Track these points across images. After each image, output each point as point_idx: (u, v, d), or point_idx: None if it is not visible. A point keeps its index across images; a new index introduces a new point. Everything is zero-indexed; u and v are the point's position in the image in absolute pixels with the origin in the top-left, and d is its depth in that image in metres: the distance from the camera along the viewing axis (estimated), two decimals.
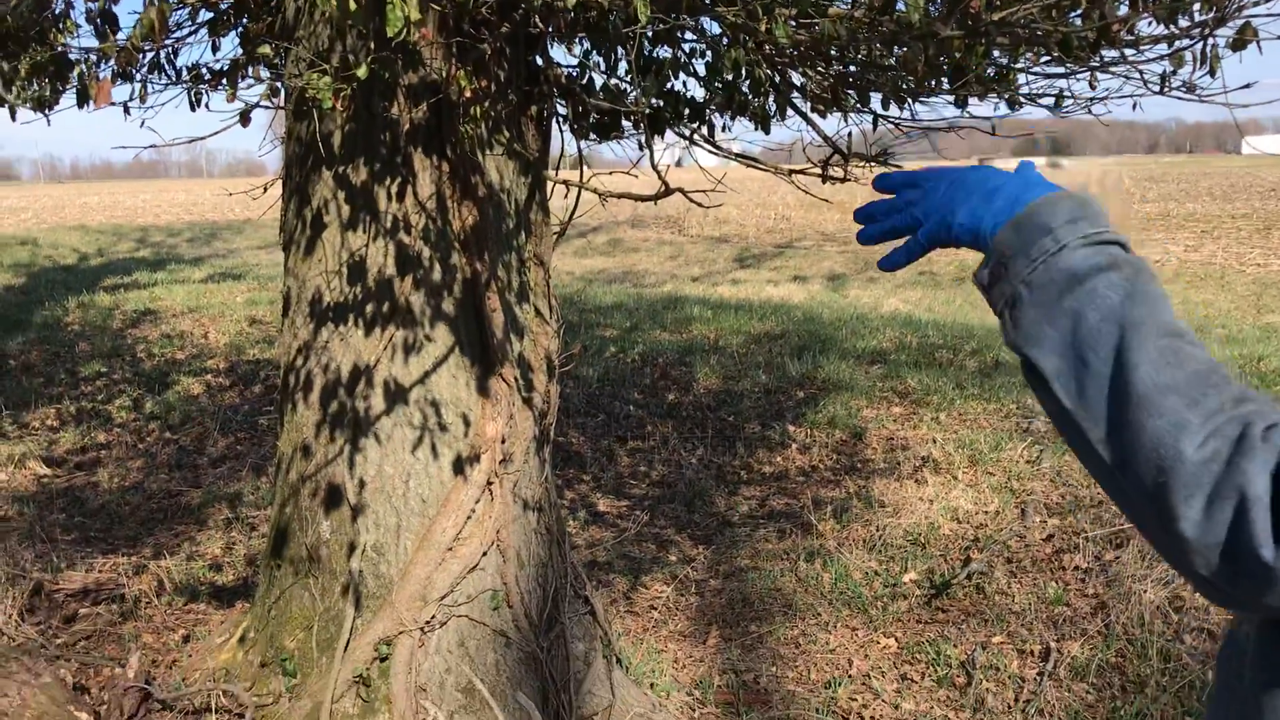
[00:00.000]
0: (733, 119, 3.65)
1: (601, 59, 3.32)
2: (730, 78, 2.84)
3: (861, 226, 1.24)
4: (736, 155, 3.56)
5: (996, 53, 2.59)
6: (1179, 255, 20.34)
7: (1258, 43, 2.52)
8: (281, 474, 3.03)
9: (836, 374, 7.07)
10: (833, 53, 2.60)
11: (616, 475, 5.61)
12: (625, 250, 23.18)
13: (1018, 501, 4.90)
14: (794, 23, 2.30)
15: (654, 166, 2.29)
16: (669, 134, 3.16)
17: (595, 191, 2.48)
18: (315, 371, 2.89)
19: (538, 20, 2.25)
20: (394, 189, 2.78)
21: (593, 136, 3.38)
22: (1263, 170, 65.29)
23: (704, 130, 3.41)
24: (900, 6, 2.36)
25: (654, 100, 3.24)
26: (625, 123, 3.35)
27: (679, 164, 5.37)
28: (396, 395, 2.84)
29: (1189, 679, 3.36)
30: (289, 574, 3.00)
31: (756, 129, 3.44)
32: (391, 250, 2.80)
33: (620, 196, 2.59)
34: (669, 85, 3.39)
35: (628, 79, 3.33)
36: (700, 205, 2.37)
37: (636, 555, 4.62)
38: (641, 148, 3.61)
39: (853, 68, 2.70)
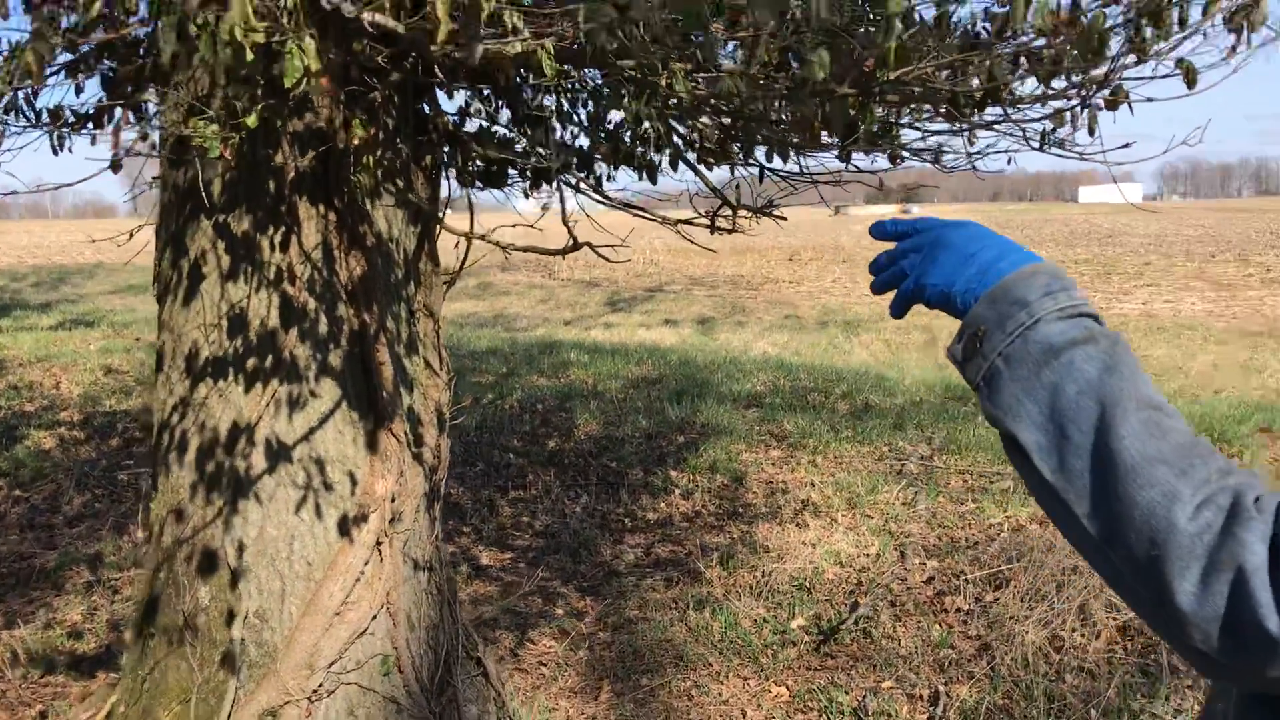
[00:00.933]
0: (616, 168, 3.66)
1: (481, 106, 3.28)
2: (627, 129, 2.83)
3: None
4: (624, 205, 3.56)
5: (884, 109, 2.64)
6: None
7: (1129, 103, 2.64)
8: (154, 539, 2.86)
9: (715, 418, 7.11)
10: (726, 107, 2.61)
11: (499, 527, 5.51)
12: (495, 294, 23.06)
13: (897, 544, 4.98)
14: (694, 78, 2.30)
15: (565, 221, 2.25)
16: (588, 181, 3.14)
17: (499, 244, 2.43)
18: (191, 430, 2.74)
19: (436, 70, 2.20)
20: (278, 238, 2.67)
21: (478, 185, 3.34)
22: (1098, 217, 69.00)
23: (590, 180, 3.40)
24: (796, 66, 2.39)
25: (540, 150, 3.22)
26: (512, 171, 3.32)
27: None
28: (279, 453, 2.72)
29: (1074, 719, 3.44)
30: (163, 644, 2.82)
31: (642, 179, 3.45)
32: (275, 302, 2.69)
33: (526, 250, 2.54)
34: (556, 135, 3.37)
35: (512, 128, 3.30)
36: (608, 260, 2.34)
37: (523, 610, 4.52)
38: (526, 195, 3.59)
39: (743, 121, 2.72)
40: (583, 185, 3.41)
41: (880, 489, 5.63)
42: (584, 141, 3.41)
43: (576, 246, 2.24)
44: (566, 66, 2.25)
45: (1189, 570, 0.81)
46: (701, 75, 2.28)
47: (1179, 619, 0.81)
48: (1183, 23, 2.48)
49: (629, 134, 3.22)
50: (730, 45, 2.38)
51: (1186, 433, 0.89)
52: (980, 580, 4.40)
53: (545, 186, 3.38)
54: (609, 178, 3.69)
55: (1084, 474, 0.90)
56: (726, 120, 2.78)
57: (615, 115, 3.59)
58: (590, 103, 3.39)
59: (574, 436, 6.92)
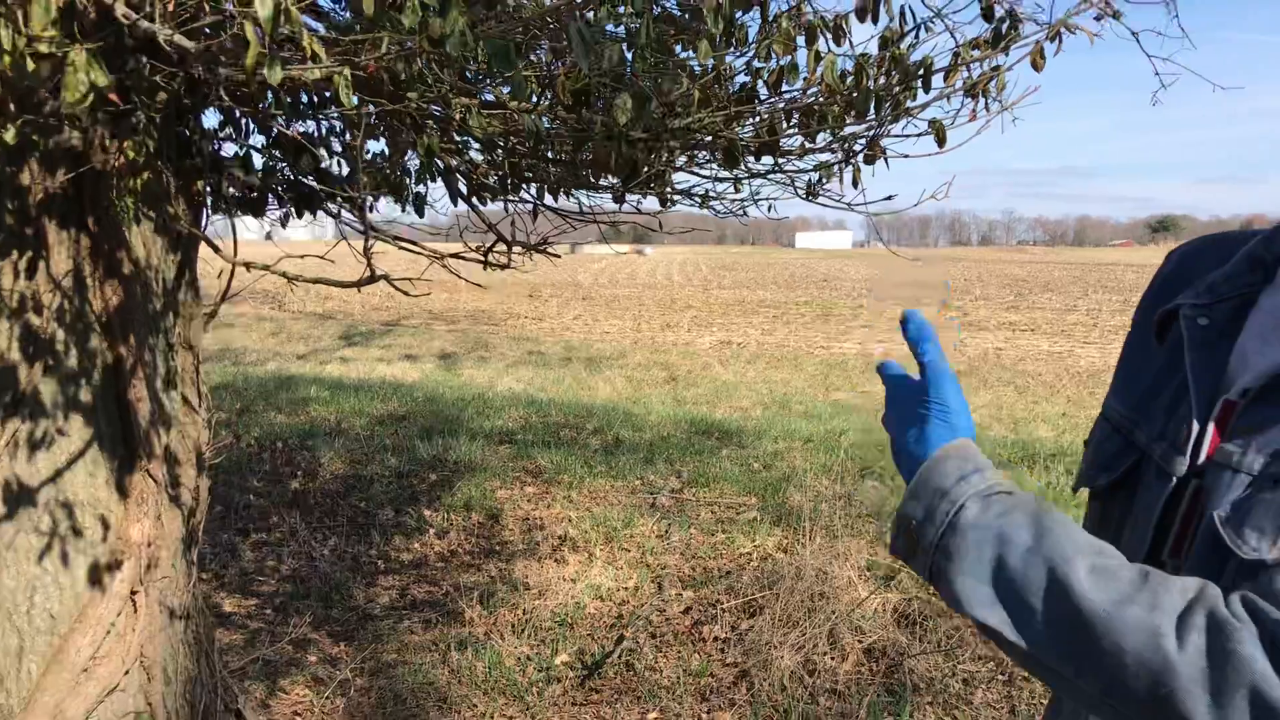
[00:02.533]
0: (376, 199, 3.59)
1: (233, 130, 3.16)
2: (417, 161, 2.79)
3: None
4: (393, 238, 3.49)
5: (668, 154, 2.73)
6: (757, 338, 22.28)
7: (885, 159, 2.85)
8: None
9: (468, 455, 7.04)
10: (521, 145, 2.62)
11: (241, 572, 5.22)
12: (221, 325, 21.90)
13: (654, 576, 5.09)
14: (486, 113, 2.30)
15: (365, 253, 2.18)
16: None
17: (285, 275, 2.32)
18: None
19: (222, 92, 2.09)
20: (23, 264, 2.45)
21: (238, 212, 3.19)
22: (814, 262, 73.43)
23: (355, 211, 3.32)
24: (586, 111, 2.44)
25: (308, 177, 3.12)
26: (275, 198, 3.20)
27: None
28: (21, 497, 2.48)
29: None
30: None
31: (405, 210, 3.40)
32: (17, 333, 2.46)
33: (315, 281, 2.44)
34: (322, 164, 3.28)
35: (273, 155, 3.18)
36: (406, 294, 2.28)
37: (272, 658, 4.31)
38: (283, 224, 3.46)
39: (536, 160, 2.74)
40: (345, 215, 3.33)
41: (635, 522, 5.74)
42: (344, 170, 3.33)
43: (374, 279, 2.18)
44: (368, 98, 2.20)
45: (1202, 697, 0.83)
46: (496, 112, 2.28)
47: None
48: (928, 88, 2.71)
49: (397, 167, 3.18)
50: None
51: (1128, 564, 0.94)
52: (735, 609, 4.56)
53: (311, 215, 3.28)
54: (372, 209, 3.62)
55: (1059, 638, 0.92)
56: (513, 159, 2.79)
57: (375, 145, 3.53)
58: (348, 132, 3.32)
59: (319, 476, 6.67)
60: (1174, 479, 1.07)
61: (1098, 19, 2.78)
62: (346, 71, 1.90)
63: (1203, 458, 1.06)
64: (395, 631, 4.59)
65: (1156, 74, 2.94)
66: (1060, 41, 2.79)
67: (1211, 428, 1.06)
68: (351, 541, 5.64)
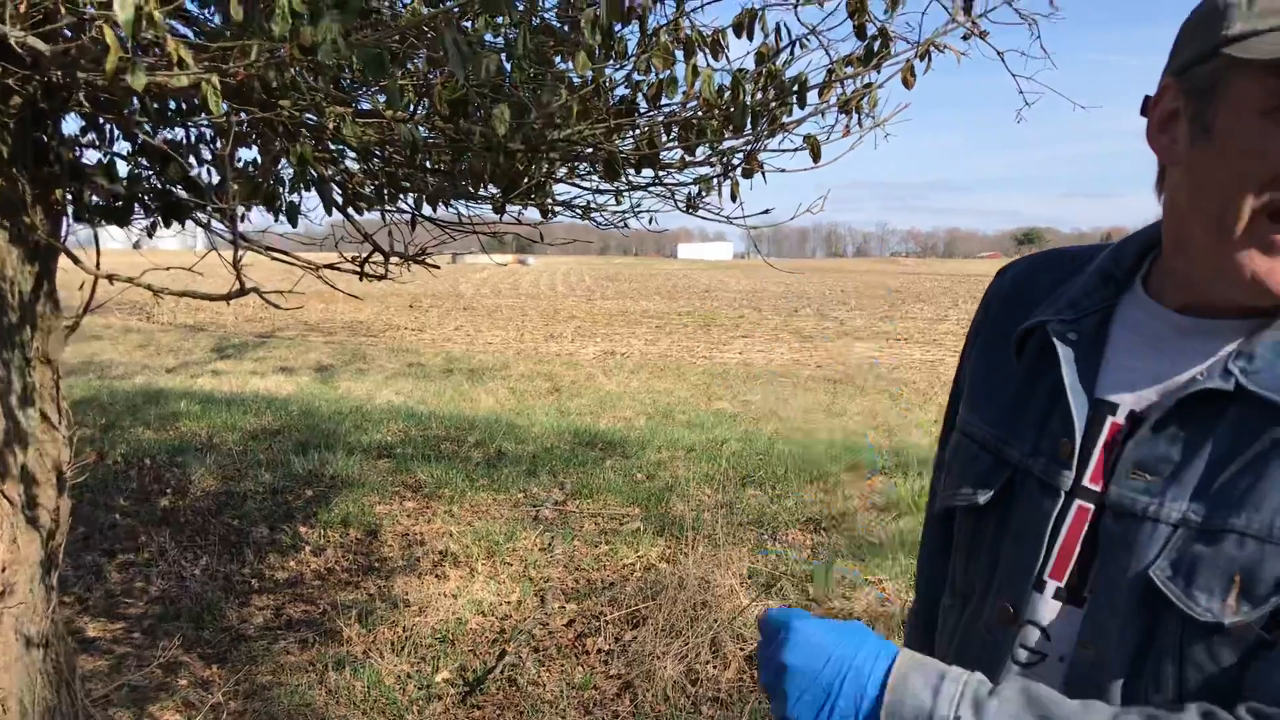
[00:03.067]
0: (248, 208, 3.49)
1: (96, 136, 3.04)
2: (290, 170, 2.72)
3: None
4: (264, 248, 3.40)
5: (548, 165, 2.72)
6: (640, 348, 22.38)
7: (763, 173, 2.89)
8: None
9: (345, 470, 6.90)
10: (398, 155, 2.58)
11: (107, 594, 5.01)
12: (84, 338, 21.03)
13: (537, 590, 5.06)
14: (361, 122, 2.26)
15: (235, 264, 2.11)
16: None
17: (150, 289, 2.23)
18: None
19: (82, 97, 2.01)
20: None
21: (101, 221, 3.07)
22: (696, 273, 74.23)
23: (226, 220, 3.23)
24: (464, 120, 2.41)
25: (176, 186, 3.02)
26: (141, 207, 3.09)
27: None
28: None
29: None
30: None
31: (278, 220, 3.32)
32: None
33: (183, 295, 2.36)
34: (191, 172, 3.18)
35: (141, 162, 3.08)
36: (277, 307, 2.22)
37: (140, 684, 4.14)
38: (150, 234, 3.35)
39: (412, 170, 2.70)
40: (215, 225, 3.23)
41: (518, 536, 5.70)
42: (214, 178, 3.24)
43: (243, 292, 2.12)
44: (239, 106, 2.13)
45: None
46: (372, 121, 2.24)
47: None
48: (803, 104, 2.76)
49: (270, 176, 3.10)
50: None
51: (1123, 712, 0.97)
52: (619, 620, 4.56)
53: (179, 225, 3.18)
54: (243, 218, 3.52)
55: None
56: (389, 168, 2.75)
57: (248, 153, 3.44)
58: (219, 140, 3.23)
59: (190, 493, 6.46)
60: (1062, 491, 1.10)
61: (965, 38, 2.87)
62: (214, 79, 1.85)
63: (1089, 475, 1.09)
64: (270, 652, 4.46)
65: (1021, 92, 3.06)
66: (930, 60, 2.88)
67: (1099, 449, 1.09)
68: (224, 560, 5.46)
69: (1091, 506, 1.09)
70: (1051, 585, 1.11)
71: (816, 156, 2.75)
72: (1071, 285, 1.18)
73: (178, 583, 5.15)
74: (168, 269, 2.20)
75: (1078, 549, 1.10)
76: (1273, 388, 0.98)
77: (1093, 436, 1.10)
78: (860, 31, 2.64)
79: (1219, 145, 0.97)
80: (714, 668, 4.11)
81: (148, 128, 3.01)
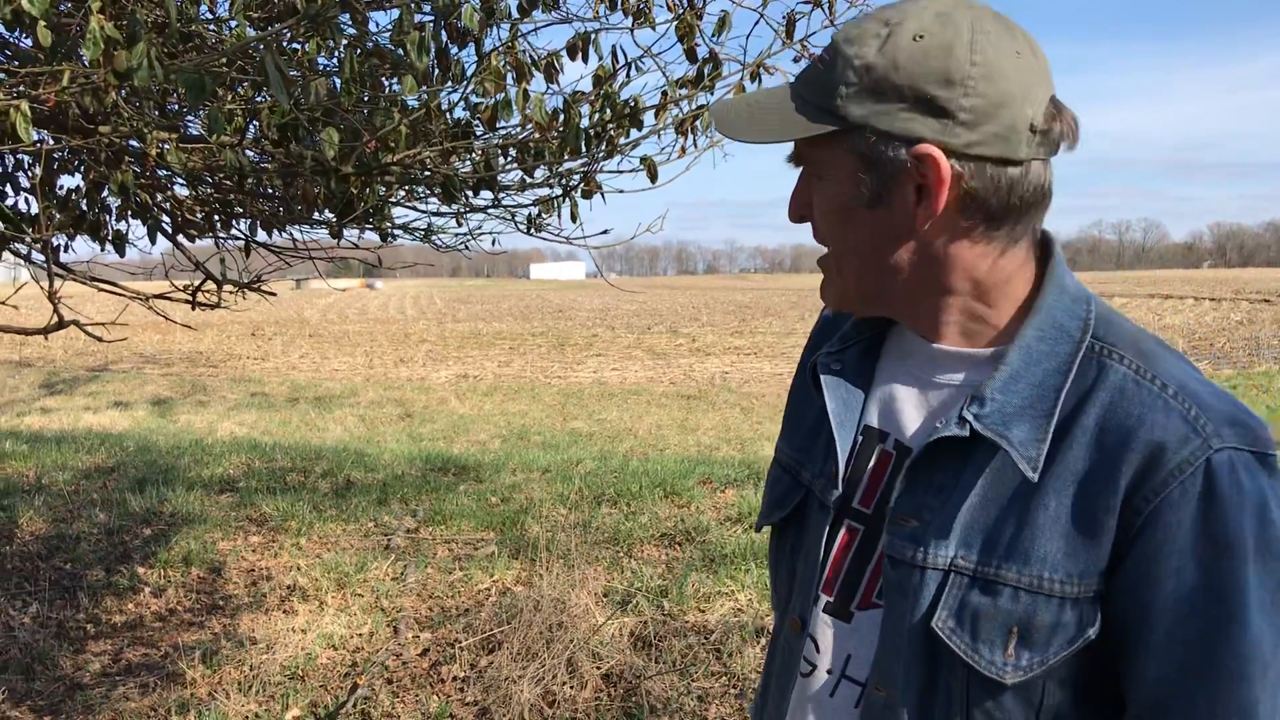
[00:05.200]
0: (73, 239, 3.36)
1: None
2: (113, 198, 2.62)
3: None
4: (89, 278, 3.27)
5: (384, 189, 2.70)
6: (494, 370, 22.24)
7: (602, 194, 2.93)
8: None
9: (185, 506, 6.65)
10: (226, 181, 2.52)
11: None
12: None
13: (389, 620, 4.97)
14: (187, 148, 2.20)
15: (51, 296, 2.02)
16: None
17: None
18: None
19: None
20: None
21: None
22: (549, 293, 74.28)
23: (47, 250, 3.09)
24: (294, 143, 2.38)
25: None
26: None
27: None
28: None
29: None
30: None
31: (104, 249, 3.21)
32: None
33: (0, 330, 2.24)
34: (6, 201, 3.04)
35: None
36: (99, 339, 2.13)
37: None
38: None
39: (242, 195, 2.64)
40: (35, 255, 3.09)
41: (369, 566, 5.59)
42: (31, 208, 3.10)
43: (62, 325, 2.03)
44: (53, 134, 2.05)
45: None
46: (198, 146, 2.19)
47: None
48: (639, 125, 2.81)
49: (95, 204, 2.99)
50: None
51: None
52: (474, 646, 4.52)
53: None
54: (66, 248, 3.38)
55: None
56: (219, 194, 2.68)
57: (71, 180, 3.31)
58: (36, 167, 3.10)
59: (16, 538, 6.12)
60: (831, 510, 1.16)
61: (796, 60, 2.97)
62: (24, 105, 1.78)
63: (859, 499, 1.15)
64: (108, 700, 4.25)
65: None
66: (760, 80, 2.97)
67: (867, 474, 1.15)
68: (56, 606, 5.19)
69: (861, 528, 1.15)
70: (823, 600, 1.16)
71: (653, 177, 2.80)
72: (848, 319, 1.24)
73: (4, 632, 4.87)
74: None
75: (843, 567, 1.15)
76: (1000, 427, 1.02)
77: (863, 461, 1.16)
78: (691, 54, 2.71)
79: None
80: (570, 688, 4.10)
81: None
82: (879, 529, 1.12)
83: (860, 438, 1.16)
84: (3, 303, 2.21)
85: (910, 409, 1.13)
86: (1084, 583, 0.99)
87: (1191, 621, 0.95)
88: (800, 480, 1.24)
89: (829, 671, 1.15)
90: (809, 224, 1.13)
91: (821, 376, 1.18)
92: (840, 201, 1.06)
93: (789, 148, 1.11)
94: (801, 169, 1.12)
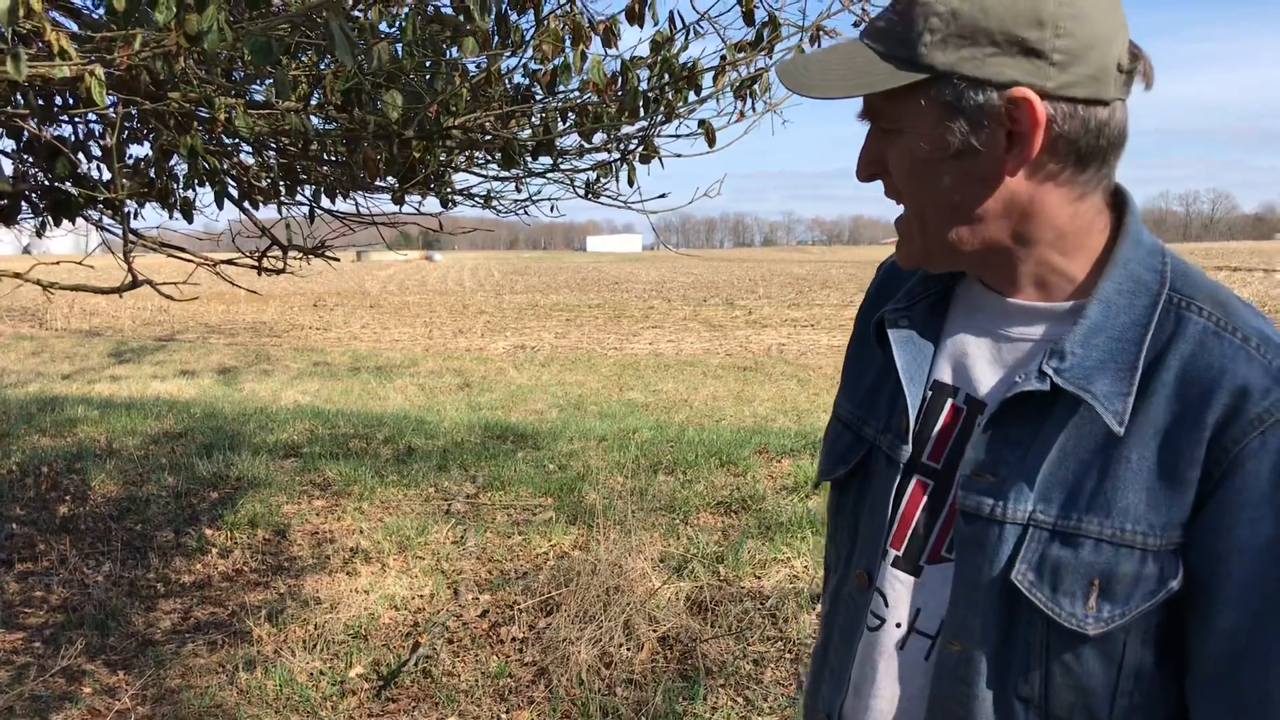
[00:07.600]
0: (142, 206, 3.44)
1: None
2: (181, 164, 2.69)
3: None
4: (158, 244, 3.35)
5: (445, 154, 2.73)
6: (551, 341, 22.36)
7: (660, 160, 2.94)
8: None
9: (251, 471, 6.79)
10: (291, 146, 2.57)
11: (5, 605, 4.87)
12: None
13: (450, 582, 5.06)
14: (253, 113, 2.25)
15: (126, 255, 2.08)
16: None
17: (39, 284, 2.19)
18: None
19: None
20: None
21: None
22: (605, 265, 74.33)
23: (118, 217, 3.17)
24: (359, 109, 2.41)
25: (64, 183, 2.97)
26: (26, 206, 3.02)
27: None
28: None
29: None
30: None
31: (172, 216, 3.28)
32: None
33: (75, 289, 2.32)
34: (79, 169, 3.12)
35: (27, 159, 3.01)
36: (171, 299, 2.20)
37: (43, 694, 4.05)
38: (40, 234, 3.27)
39: (306, 160, 2.69)
40: (107, 221, 3.18)
41: (430, 530, 5.68)
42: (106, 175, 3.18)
43: (135, 284, 2.09)
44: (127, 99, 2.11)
45: None
46: (264, 112, 2.23)
47: None
48: (697, 90, 2.81)
49: (163, 172, 3.06)
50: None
51: None
52: (533, 608, 4.59)
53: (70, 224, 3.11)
54: (137, 215, 3.46)
55: None
56: (284, 160, 2.73)
57: (139, 149, 3.38)
58: (108, 134, 3.17)
59: (90, 500, 6.30)
60: (901, 465, 1.16)
61: (855, 25, 2.95)
62: (98, 69, 1.83)
63: (928, 453, 1.15)
64: (178, 656, 4.39)
65: None
66: (819, 43, 2.94)
67: (937, 429, 1.15)
68: (128, 566, 5.35)
69: (931, 483, 1.15)
70: (891, 554, 1.17)
71: (711, 141, 2.80)
72: (914, 274, 1.24)
73: (80, 590, 5.04)
74: (56, 262, 2.16)
75: (914, 521, 1.16)
76: (1083, 380, 1.02)
77: (933, 417, 1.16)
78: (749, 17, 2.70)
79: None
80: (627, 650, 4.15)
81: (33, 123, 2.95)
82: (949, 483, 1.13)
83: (930, 393, 1.16)
84: (79, 262, 2.28)
85: (983, 364, 1.13)
86: (1166, 535, 0.99)
87: (1269, 572, 0.94)
88: (863, 436, 1.24)
89: (898, 625, 1.16)
90: (879, 183, 1.12)
91: (890, 332, 1.18)
92: (923, 154, 1.04)
93: (854, 109, 1.10)
94: (870, 126, 1.10)
